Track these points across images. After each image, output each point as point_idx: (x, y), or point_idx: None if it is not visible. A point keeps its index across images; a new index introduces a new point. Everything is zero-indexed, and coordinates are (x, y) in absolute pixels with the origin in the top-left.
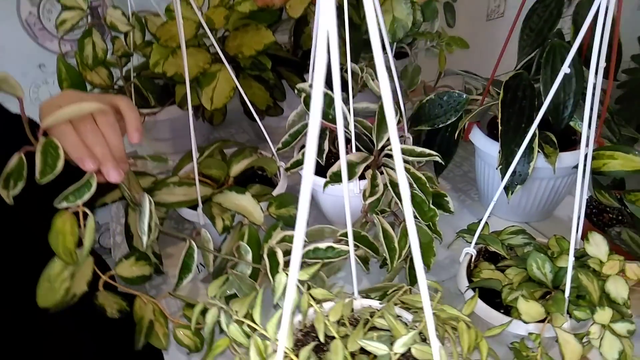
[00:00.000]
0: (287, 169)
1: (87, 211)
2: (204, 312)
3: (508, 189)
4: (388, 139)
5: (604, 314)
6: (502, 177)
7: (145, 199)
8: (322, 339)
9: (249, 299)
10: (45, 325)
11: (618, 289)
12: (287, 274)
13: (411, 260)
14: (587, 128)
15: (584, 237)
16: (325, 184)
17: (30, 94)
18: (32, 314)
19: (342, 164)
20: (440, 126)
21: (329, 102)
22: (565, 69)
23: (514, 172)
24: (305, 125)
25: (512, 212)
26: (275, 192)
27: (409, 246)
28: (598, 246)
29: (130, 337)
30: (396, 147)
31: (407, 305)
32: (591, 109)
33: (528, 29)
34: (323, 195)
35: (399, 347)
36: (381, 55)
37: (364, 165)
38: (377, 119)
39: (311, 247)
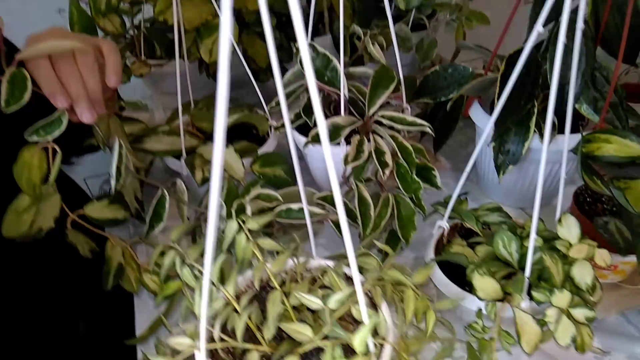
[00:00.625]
0: (276, 129)
1: (56, 148)
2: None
3: (500, 168)
4: (381, 106)
5: (562, 298)
6: (495, 155)
7: (116, 141)
8: (257, 285)
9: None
10: (17, 254)
11: (583, 274)
12: (239, 220)
13: (390, 232)
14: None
15: None
16: (306, 144)
17: None
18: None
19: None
20: (442, 100)
21: (325, 63)
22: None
23: (507, 151)
24: (301, 86)
25: (508, 196)
26: (261, 150)
27: (389, 217)
28: (570, 228)
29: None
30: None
31: (360, 266)
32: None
33: (541, 1)
34: (312, 160)
35: (333, 303)
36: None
37: (349, 129)
38: (370, 84)
39: (284, 207)
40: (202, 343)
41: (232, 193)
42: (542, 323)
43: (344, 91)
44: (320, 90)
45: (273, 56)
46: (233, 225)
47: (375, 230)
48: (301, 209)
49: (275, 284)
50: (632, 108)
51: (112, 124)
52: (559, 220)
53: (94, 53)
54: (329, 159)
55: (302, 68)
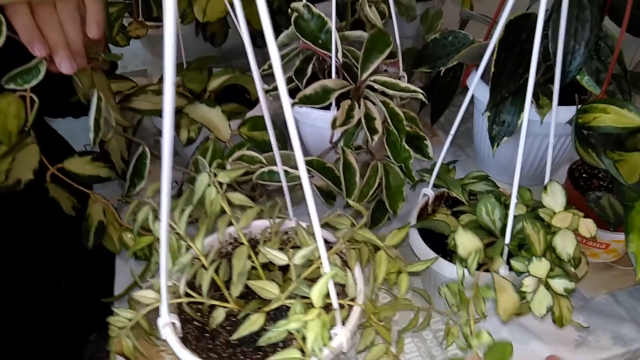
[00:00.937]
0: (267, 92)
1: (34, 97)
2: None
3: (494, 139)
4: (375, 72)
5: (540, 266)
6: (489, 126)
7: (94, 94)
8: (220, 238)
9: (179, 200)
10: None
11: (565, 244)
12: (210, 174)
13: (377, 202)
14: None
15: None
16: (292, 105)
17: None
18: None
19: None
20: (440, 68)
21: (320, 25)
22: None
23: (502, 121)
24: (295, 49)
25: (503, 172)
26: (250, 113)
27: (377, 187)
28: (554, 197)
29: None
30: None
31: (333, 226)
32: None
33: None
34: (304, 125)
35: (298, 259)
36: None
37: (338, 92)
38: (364, 47)
39: (266, 169)
40: (163, 294)
41: (218, 154)
42: (522, 295)
43: (335, 54)
44: (314, 53)
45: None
46: (204, 178)
47: (362, 200)
48: (285, 172)
49: (243, 239)
50: (636, 80)
51: (97, 78)
52: (545, 187)
53: (75, 1)
54: (289, 114)
55: (297, 30)
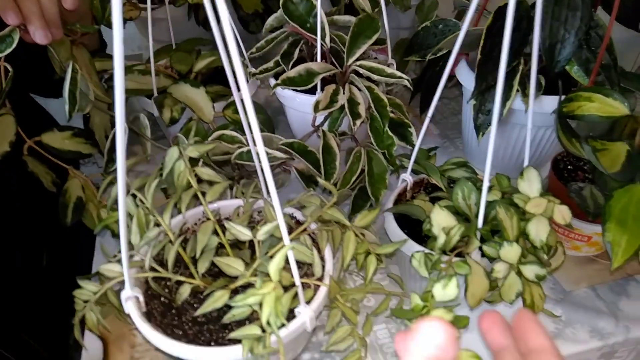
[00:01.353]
0: (253, 75)
1: (8, 67)
2: None
3: (479, 128)
4: (361, 56)
5: (511, 251)
6: (475, 115)
7: (69, 65)
8: (183, 210)
9: (150, 177)
10: None
11: (539, 231)
12: (179, 148)
13: (359, 189)
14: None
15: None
16: (274, 86)
17: None
18: None
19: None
20: (430, 57)
21: (309, 9)
22: None
23: (488, 110)
24: (284, 32)
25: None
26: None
27: (360, 174)
28: (530, 183)
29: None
30: None
31: (302, 205)
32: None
33: None
34: (289, 109)
35: (261, 235)
36: None
37: (322, 75)
38: (351, 32)
39: (245, 149)
40: (125, 268)
41: (200, 135)
42: (493, 283)
43: (323, 38)
44: (302, 37)
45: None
46: (174, 152)
47: (345, 187)
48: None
49: (209, 213)
50: (626, 71)
51: (77, 53)
52: (521, 173)
53: None
54: (246, 92)
55: (285, 13)
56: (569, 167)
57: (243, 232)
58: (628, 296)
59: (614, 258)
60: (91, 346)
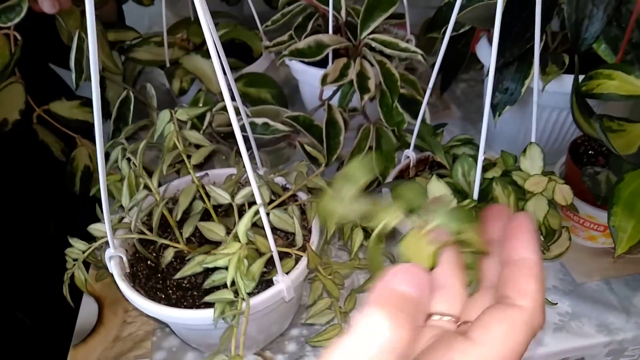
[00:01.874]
0: (266, 47)
1: (17, 35)
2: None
3: (496, 108)
4: (374, 29)
5: None
6: (492, 93)
7: (76, 34)
8: (164, 169)
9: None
10: None
11: (537, 210)
12: (171, 111)
13: None
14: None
15: (567, 176)
16: (280, 57)
17: None
18: None
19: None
20: (452, 35)
21: None
22: None
23: (505, 89)
24: (300, 5)
25: (511, 146)
26: (248, 69)
27: (366, 152)
28: (532, 161)
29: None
30: None
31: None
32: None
33: None
34: (303, 84)
35: (239, 198)
36: None
37: (332, 47)
38: (366, 4)
39: (248, 121)
40: (107, 227)
41: (207, 104)
42: None
43: (338, 12)
44: (317, 10)
45: None
46: (165, 115)
47: None
48: (265, 124)
49: (194, 176)
50: None
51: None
52: (524, 150)
53: None
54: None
55: None
56: (590, 151)
57: (222, 196)
58: None
59: (617, 244)
60: (87, 308)
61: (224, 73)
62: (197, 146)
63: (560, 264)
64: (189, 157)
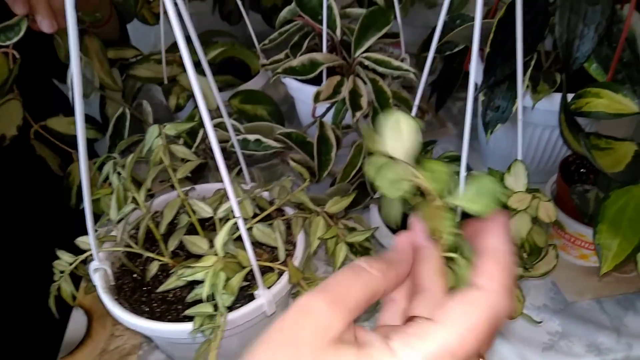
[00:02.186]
0: (263, 65)
1: (15, 53)
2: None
3: (488, 126)
4: (368, 48)
5: None
6: (483, 111)
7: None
8: (148, 182)
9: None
10: None
11: (519, 227)
12: (160, 127)
13: (359, 184)
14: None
15: (558, 194)
16: (274, 74)
17: None
18: None
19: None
20: (446, 54)
21: (321, 1)
22: None
23: (496, 107)
24: (296, 25)
25: (503, 164)
26: (245, 86)
27: (359, 169)
28: (517, 178)
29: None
30: None
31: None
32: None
33: None
34: (299, 102)
35: (221, 212)
36: None
37: (325, 65)
38: (360, 23)
39: (240, 137)
40: (92, 240)
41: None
42: None
43: (332, 30)
44: (314, 29)
45: None
46: (154, 130)
47: (344, 180)
48: (257, 140)
49: (178, 188)
50: None
51: (89, 41)
52: (508, 167)
53: None
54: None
55: (297, 5)
56: (582, 169)
57: (204, 209)
58: (636, 311)
59: (602, 262)
60: (77, 321)
61: (210, 89)
62: (186, 161)
63: (551, 282)
64: (175, 170)
